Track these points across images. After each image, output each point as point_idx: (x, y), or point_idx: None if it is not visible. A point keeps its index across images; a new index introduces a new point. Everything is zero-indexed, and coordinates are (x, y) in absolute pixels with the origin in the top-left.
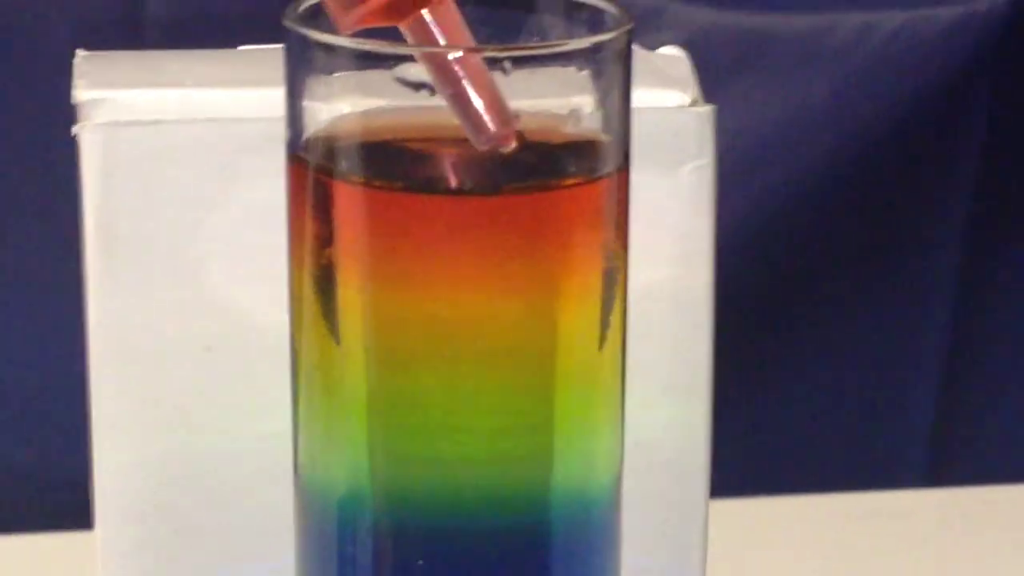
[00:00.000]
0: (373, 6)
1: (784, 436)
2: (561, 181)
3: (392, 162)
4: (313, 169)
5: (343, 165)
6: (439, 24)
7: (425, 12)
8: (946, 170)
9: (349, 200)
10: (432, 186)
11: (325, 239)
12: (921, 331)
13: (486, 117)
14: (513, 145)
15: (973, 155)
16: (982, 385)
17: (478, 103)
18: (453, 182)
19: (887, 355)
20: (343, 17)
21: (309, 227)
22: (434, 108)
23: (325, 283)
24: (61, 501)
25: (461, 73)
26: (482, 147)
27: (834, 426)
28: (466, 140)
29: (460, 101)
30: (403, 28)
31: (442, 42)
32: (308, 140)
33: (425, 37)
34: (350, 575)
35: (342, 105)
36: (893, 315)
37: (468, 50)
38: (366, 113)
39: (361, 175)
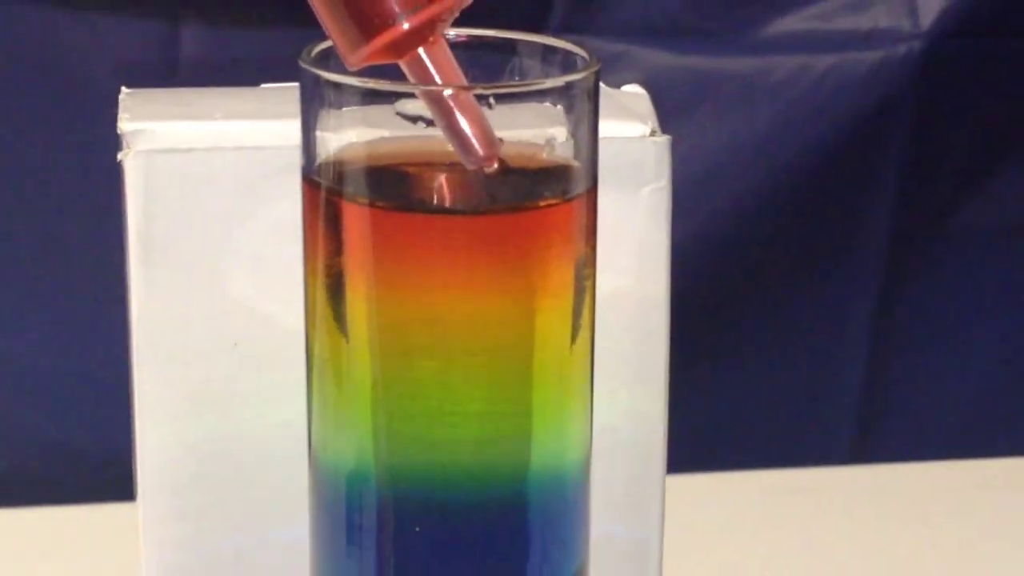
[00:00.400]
0: (377, 45)
1: (731, 420)
2: (539, 202)
3: (393, 185)
4: (325, 191)
5: (350, 187)
6: (433, 61)
7: (421, 50)
8: (869, 186)
9: (356, 218)
10: (427, 206)
11: (335, 251)
12: (847, 327)
13: (475, 142)
14: (496, 166)
15: (892, 174)
16: (901, 377)
17: (468, 130)
18: (446, 203)
19: (818, 348)
20: (351, 55)
21: (321, 241)
22: (429, 138)
23: (336, 289)
24: (105, 477)
25: (454, 106)
26: (471, 167)
27: (774, 411)
28: (457, 166)
29: (453, 129)
30: (403, 64)
31: (436, 75)
32: (320, 165)
33: (421, 72)
34: (357, 541)
35: (350, 135)
36: (823, 313)
37: (459, 88)
38: (370, 143)
39: (366, 196)
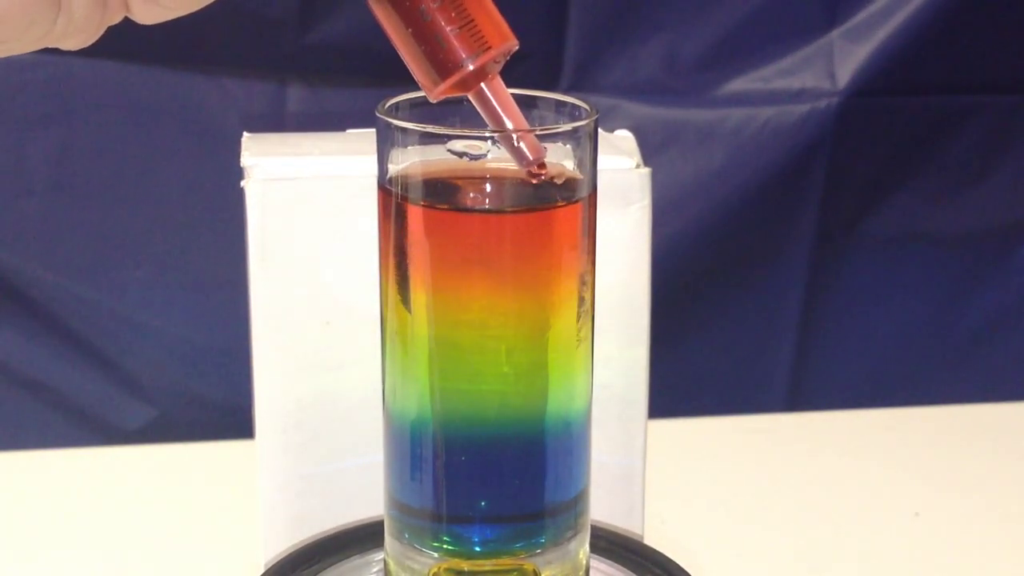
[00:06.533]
0: (450, 83)
1: (696, 379)
2: (555, 204)
3: (440, 192)
4: (394, 196)
5: (411, 194)
6: (492, 93)
7: (483, 85)
8: (798, 205)
9: (415, 215)
10: (465, 206)
11: (400, 238)
12: (782, 308)
13: (527, 152)
14: (544, 171)
15: (815, 196)
16: (822, 346)
17: (523, 146)
18: (484, 204)
19: (761, 325)
20: (431, 91)
21: (391, 233)
22: (469, 167)
23: (402, 275)
24: (232, 421)
25: (515, 134)
26: (526, 170)
27: (728, 372)
28: (489, 181)
29: (512, 145)
30: (470, 96)
31: (495, 104)
32: (390, 178)
33: (484, 102)
34: (418, 467)
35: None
36: (764, 297)
37: (503, 130)
38: (424, 163)
39: (422, 200)
